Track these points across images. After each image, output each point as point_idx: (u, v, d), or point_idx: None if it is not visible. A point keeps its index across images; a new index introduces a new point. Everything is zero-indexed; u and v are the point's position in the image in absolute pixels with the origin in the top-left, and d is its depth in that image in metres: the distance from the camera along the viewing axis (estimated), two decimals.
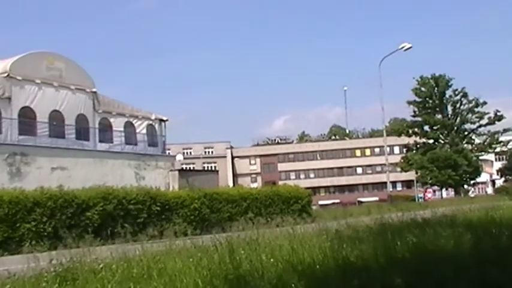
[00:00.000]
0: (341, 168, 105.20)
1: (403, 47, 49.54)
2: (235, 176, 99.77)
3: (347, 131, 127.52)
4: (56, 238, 18.52)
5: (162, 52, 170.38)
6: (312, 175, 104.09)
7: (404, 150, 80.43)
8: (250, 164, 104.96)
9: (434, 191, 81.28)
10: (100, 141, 37.03)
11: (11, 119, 31.54)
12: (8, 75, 31.82)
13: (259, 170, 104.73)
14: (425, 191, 78.97)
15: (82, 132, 35.74)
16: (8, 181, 28.05)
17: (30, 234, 21.57)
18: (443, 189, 77.42)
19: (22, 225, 22.03)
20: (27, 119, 32.38)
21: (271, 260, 8.32)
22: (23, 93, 32.51)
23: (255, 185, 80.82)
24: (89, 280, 8.16)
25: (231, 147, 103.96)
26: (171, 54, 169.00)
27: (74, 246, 10.01)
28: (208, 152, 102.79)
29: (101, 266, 8.83)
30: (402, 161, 76.83)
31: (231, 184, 72.40)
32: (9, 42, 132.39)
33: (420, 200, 67.91)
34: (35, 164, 31.10)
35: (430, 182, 73.05)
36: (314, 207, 42.11)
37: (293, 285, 6.73)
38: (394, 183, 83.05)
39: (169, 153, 44.45)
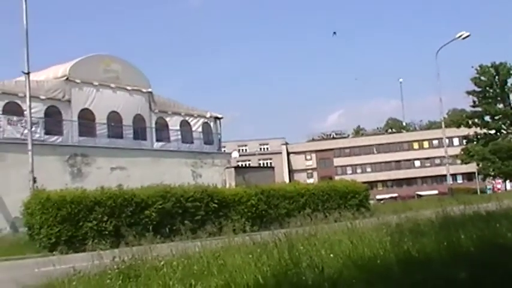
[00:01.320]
0: (398, 161, 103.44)
1: (460, 36, 48.33)
2: (291, 172, 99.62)
3: (404, 124, 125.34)
4: (116, 236, 18.89)
5: (215, 50, 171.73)
6: (368, 169, 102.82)
7: (464, 141, 78.17)
8: (305, 159, 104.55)
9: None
10: (157, 140, 37.68)
11: (71, 121, 32.43)
12: (67, 78, 32.75)
13: (315, 166, 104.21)
14: (495, 183, 76.80)
15: (139, 132, 36.43)
16: (70, 181, 28.84)
17: (92, 232, 22.11)
18: (507, 181, 75.10)
19: (84, 224, 22.61)
20: (86, 121, 33.24)
21: (331, 255, 8.21)
22: (82, 95, 33.38)
23: (311, 181, 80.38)
24: (151, 277, 8.27)
25: (286, 144, 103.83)
26: (224, 52, 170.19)
27: (135, 244, 10.16)
28: (264, 148, 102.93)
29: (162, 263, 8.93)
30: (462, 152, 74.76)
31: (287, 180, 72.29)
32: (67, 47, 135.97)
33: (489, 191, 66.12)
34: (95, 164, 31.88)
35: (492, 173, 70.93)
36: (372, 202, 41.58)
37: (354, 280, 6.63)
38: (454, 175, 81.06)
39: (224, 150, 44.79)
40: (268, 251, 8.76)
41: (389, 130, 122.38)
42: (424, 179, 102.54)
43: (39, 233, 22.20)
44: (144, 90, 37.23)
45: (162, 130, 38.27)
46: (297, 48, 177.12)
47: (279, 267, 7.65)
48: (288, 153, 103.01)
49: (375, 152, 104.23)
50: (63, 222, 22.18)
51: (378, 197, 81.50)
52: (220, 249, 9.92)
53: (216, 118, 42.76)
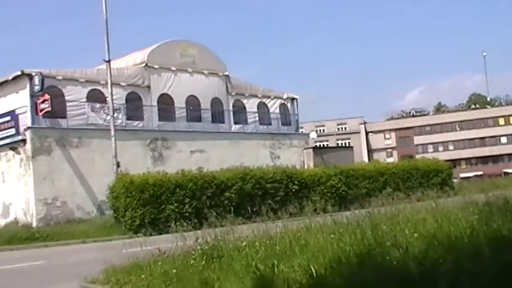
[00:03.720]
0: (483, 138, 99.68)
1: None
2: (369, 151, 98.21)
3: (488, 99, 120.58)
4: (197, 218, 19.21)
5: (290, 30, 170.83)
6: (451, 147, 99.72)
7: None
8: (385, 138, 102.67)
9: None
10: (235, 123, 38.01)
11: (151, 106, 33.18)
12: (146, 64, 33.50)
13: (394, 144, 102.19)
14: None
15: (217, 115, 36.85)
16: (152, 165, 29.62)
17: (174, 214, 22.64)
18: None
19: (167, 206, 23.19)
20: (165, 105, 33.92)
21: (415, 234, 7.98)
22: (161, 80, 34.08)
23: (390, 160, 78.98)
24: (234, 257, 8.33)
25: (365, 123, 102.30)
26: (299, 32, 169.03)
27: (217, 225, 10.26)
28: (342, 128, 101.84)
29: (244, 243, 8.98)
30: None
31: (366, 160, 71.40)
32: (145, 33, 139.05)
33: None
34: (175, 148, 32.57)
35: None
36: (455, 180, 40.39)
37: (440, 260, 6.41)
38: None
39: (302, 131, 44.62)
40: (351, 231, 8.63)
41: (473, 106, 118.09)
42: (511, 156, 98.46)
43: (124, 216, 22.96)
44: (220, 73, 37.56)
45: (239, 113, 38.54)
46: (373, 25, 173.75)
47: (361, 247, 7.52)
48: (367, 133, 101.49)
49: (458, 129, 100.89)
50: (146, 205, 22.84)
51: (462, 175, 78.97)
52: (302, 230, 9.86)
53: (293, 99, 42.62)
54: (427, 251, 6.95)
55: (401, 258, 6.70)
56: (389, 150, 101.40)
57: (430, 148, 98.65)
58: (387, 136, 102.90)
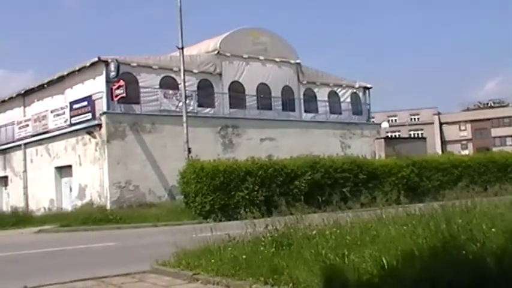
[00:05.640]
0: None
1: None
2: (443, 143, 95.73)
3: None
4: (267, 205, 19.25)
5: (362, 18, 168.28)
6: None
7: None
8: (459, 130, 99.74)
9: None
10: (305, 111, 37.82)
11: (222, 93, 33.47)
12: (218, 52, 33.78)
13: (469, 136, 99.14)
14: None
15: (288, 104, 36.79)
16: (222, 152, 29.94)
17: (244, 201, 22.79)
18: None
19: (236, 193, 23.36)
20: (236, 93, 34.12)
21: (493, 229, 7.67)
22: (232, 68, 34.30)
23: (465, 152, 76.78)
24: (304, 245, 8.26)
25: (439, 113, 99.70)
26: (373, 19, 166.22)
27: (286, 213, 10.22)
28: (414, 119, 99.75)
29: (314, 232, 8.91)
30: None
31: (439, 151, 69.69)
32: (217, 21, 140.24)
33: None
34: (245, 135, 32.75)
35: None
36: None
37: None
38: None
39: (373, 121, 43.93)
40: (424, 223, 8.39)
41: None
42: None
43: (194, 201, 23.31)
44: (292, 61, 37.41)
45: (310, 101, 38.32)
46: (450, 12, 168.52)
47: (435, 239, 7.29)
48: (441, 124, 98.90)
49: None
50: (216, 191, 23.10)
51: None
52: (373, 220, 9.68)
53: (365, 88, 42.00)
54: (505, 247, 6.67)
55: (478, 253, 6.48)
56: (464, 142, 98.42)
57: (509, 141, 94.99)
58: (462, 127, 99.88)
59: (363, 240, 8.11)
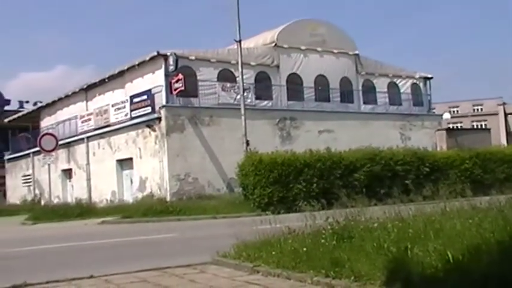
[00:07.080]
0: None
1: None
2: (509, 134, 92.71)
3: None
4: (325, 198, 19.05)
5: (425, 6, 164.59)
6: None
7: None
8: None
9: None
10: (364, 103, 37.37)
11: (280, 85, 33.41)
12: (275, 44, 33.74)
13: None
14: None
15: (346, 95, 36.42)
16: (280, 144, 29.89)
17: (302, 193, 22.65)
18: None
19: (294, 185, 23.28)
20: (294, 85, 34.00)
21: None
22: (290, 60, 34.18)
23: None
24: (365, 238, 8.12)
25: (504, 104, 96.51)
26: (434, 8, 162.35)
27: (346, 206, 10.09)
28: (477, 109, 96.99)
29: (375, 224, 8.75)
30: None
31: (504, 143, 67.55)
32: (274, 13, 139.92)
33: None
34: (303, 128, 32.60)
35: None
36: None
37: None
38: None
39: (434, 112, 42.96)
40: (491, 217, 8.10)
41: None
42: None
43: (253, 193, 23.36)
44: (350, 52, 36.98)
45: (369, 92, 37.81)
46: None
47: (504, 234, 7.02)
48: (506, 114, 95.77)
49: None
50: (275, 184, 23.08)
51: None
52: (436, 214, 9.44)
53: (426, 78, 41.09)
54: None
55: None
56: None
57: None
58: None
59: (426, 233, 7.88)
